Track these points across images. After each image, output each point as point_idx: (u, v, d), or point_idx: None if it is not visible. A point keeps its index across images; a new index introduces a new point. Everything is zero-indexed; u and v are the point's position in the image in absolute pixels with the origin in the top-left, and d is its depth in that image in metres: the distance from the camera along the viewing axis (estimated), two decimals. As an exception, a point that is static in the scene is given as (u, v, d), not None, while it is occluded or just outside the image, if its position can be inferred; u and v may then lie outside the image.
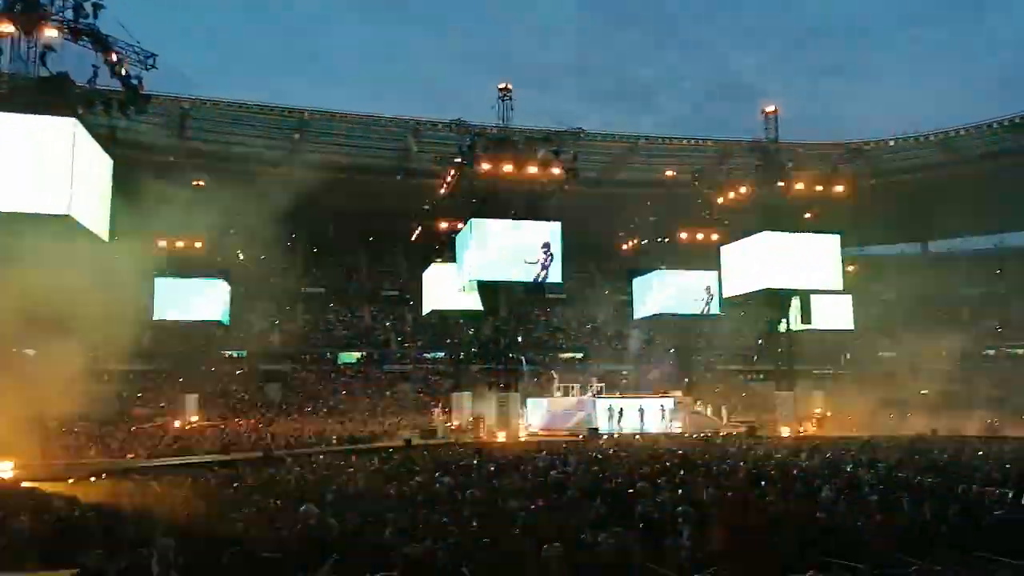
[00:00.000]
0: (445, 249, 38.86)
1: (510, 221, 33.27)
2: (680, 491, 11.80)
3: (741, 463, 16.93)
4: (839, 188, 37.21)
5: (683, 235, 43.78)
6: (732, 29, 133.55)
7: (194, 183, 37.79)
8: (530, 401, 38.07)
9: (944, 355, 44.91)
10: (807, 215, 37.29)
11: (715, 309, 43.58)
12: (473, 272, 33.25)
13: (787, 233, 36.35)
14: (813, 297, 38.19)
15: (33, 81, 22.09)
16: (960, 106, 69.41)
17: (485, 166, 33.27)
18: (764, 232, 36.23)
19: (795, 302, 37.74)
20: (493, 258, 32.76)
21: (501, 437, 31.89)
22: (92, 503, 12.14)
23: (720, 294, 41.30)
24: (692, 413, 38.68)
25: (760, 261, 36.50)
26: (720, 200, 39.25)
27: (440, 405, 40.46)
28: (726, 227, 39.79)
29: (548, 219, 33.88)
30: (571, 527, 9.05)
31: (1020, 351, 52.96)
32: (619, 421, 36.35)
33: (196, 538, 9.04)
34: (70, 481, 15.91)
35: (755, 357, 53.18)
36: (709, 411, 40.80)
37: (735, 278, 38.80)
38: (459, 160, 35.15)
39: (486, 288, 34.34)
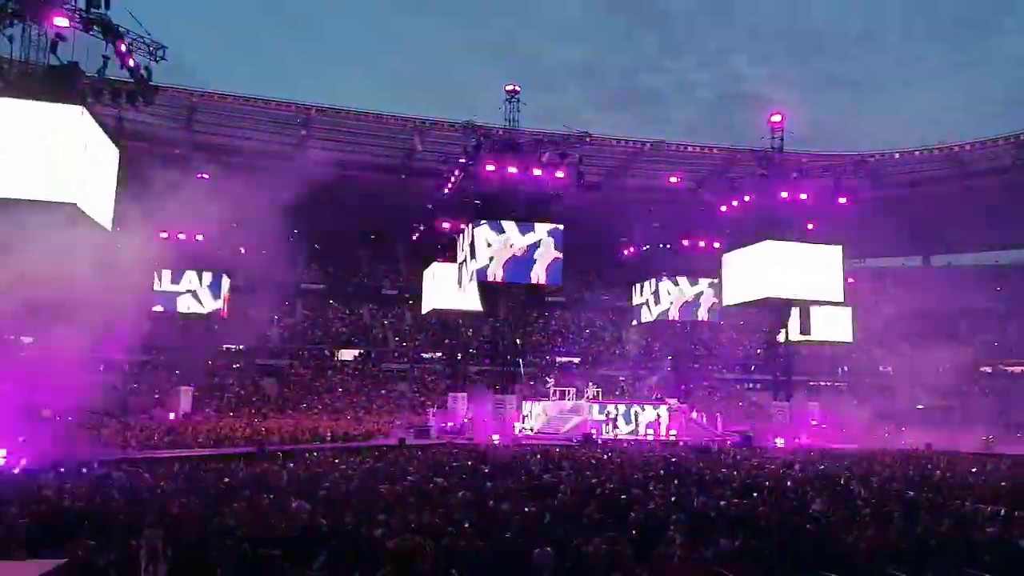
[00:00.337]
0: (447, 249, 38.88)
1: (512, 223, 33.27)
2: (673, 499, 11.80)
3: (735, 473, 16.93)
4: (843, 199, 37.19)
5: (685, 242, 43.77)
6: (742, 38, 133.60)
7: (199, 176, 37.79)
8: (526, 404, 38.05)
9: (941, 370, 44.85)
10: (810, 225, 37.27)
11: (715, 317, 43.58)
12: (474, 272, 33.24)
13: (789, 243, 36.34)
14: (812, 308, 38.16)
15: (42, 69, 22.11)
16: (966, 121, 69.53)
17: (490, 167, 33.28)
18: (766, 241, 36.21)
19: (794, 313, 37.72)
20: (494, 259, 32.76)
21: (496, 439, 31.86)
22: (83, 494, 12.13)
23: (720, 302, 41.27)
24: (688, 421, 38.63)
25: (761, 270, 36.47)
26: (723, 208, 39.25)
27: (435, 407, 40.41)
28: (728, 235, 39.79)
29: (550, 221, 33.88)
30: (563, 531, 9.04)
31: (1018, 368, 52.88)
32: (614, 427, 36.32)
33: (186, 530, 9.03)
34: (61, 471, 15.89)
35: (752, 367, 53.16)
36: (705, 419, 40.74)
37: (736, 286, 38.78)
38: (464, 160, 35.18)
39: (486, 289, 34.34)
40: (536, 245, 33.13)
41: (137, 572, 7.69)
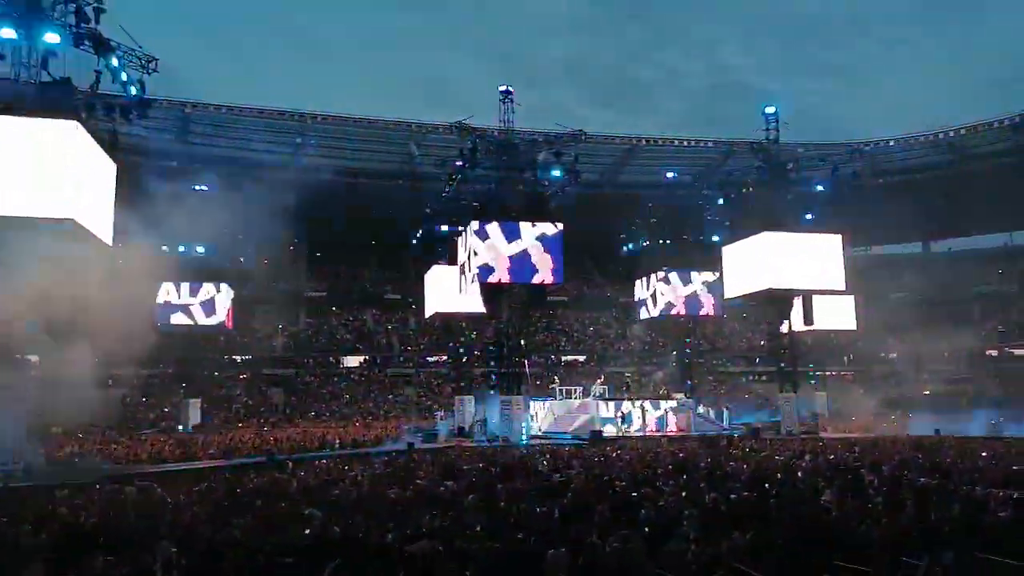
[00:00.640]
0: (447, 252, 38.92)
1: (512, 223, 33.28)
2: (684, 494, 11.80)
3: (744, 465, 16.92)
4: (840, 188, 37.17)
5: (685, 236, 43.77)
6: (732, 27, 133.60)
7: (197, 187, 37.87)
8: (533, 404, 38.05)
9: (948, 356, 44.85)
10: (808, 215, 37.27)
11: (718, 310, 43.55)
12: (475, 274, 33.24)
13: (789, 233, 36.33)
14: (815, 298, 38.15)
15: (35, 86, 22.15)
16: (962, 105, 69.52)
17: (487, 169, 33.30)
18: (765, 232, 36.20)
19: (797, 303, 37.70)
20: (494, 260, 32.77)
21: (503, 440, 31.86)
22: (96, 509, 12.15)
23: (722, 295, 41.26)
24: (695, 415, 38.61)
25: (762, 262, 36.45)
26: (721, 201, 39.25)
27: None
28: (728, 227, 39.79)
29: (549, 221, 33.90)
30: (576, 531, 9.04)
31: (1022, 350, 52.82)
32: (622, 423, 36.31)
33: (199, 543, 9.05)
34: (74, 487, 15.91)
35: (757, 359, 53.13)
36: (711, 413, 40.73)
37: (737, 279, 38.75)
38: (461, 163, 35.22)
39: (488, 291, 34.35)
40: (536, 245, 33.13)
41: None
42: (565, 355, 54.06)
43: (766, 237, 36.23)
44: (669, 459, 19.05)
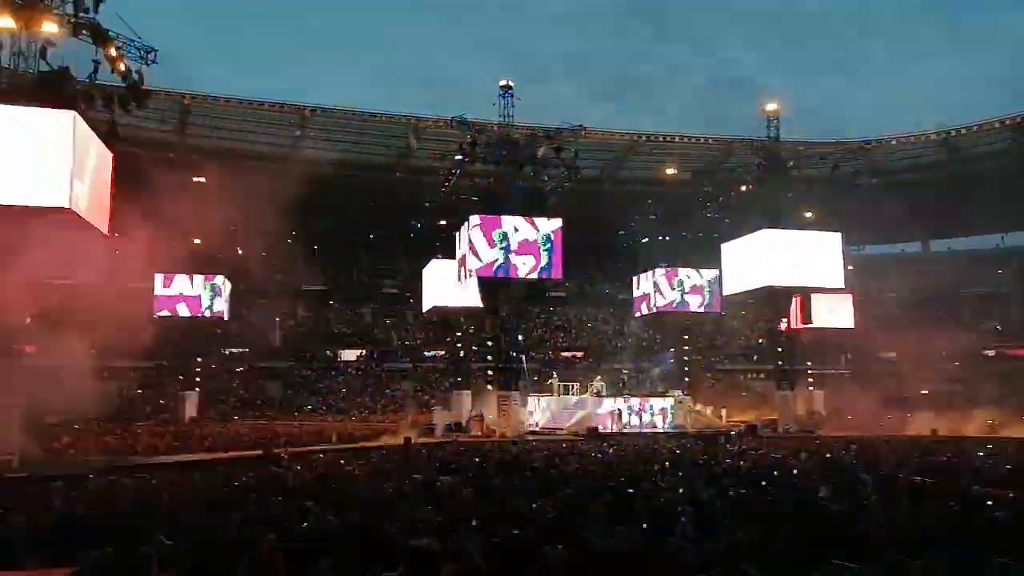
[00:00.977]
0: (446, 246, 38.87)
1: (511, 217, 33.24)
2: (680, 491, 11.79)
3: (741, 462, 16.93)
4: (840, 187, 37.16)
5: (684, 233, 43.73)
6: (733, 24, 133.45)
7: (195, 179, 37.77)
8: (531, 400, 38.06)
9: (945, 355, 44.88)
10: (808, 214, 37.26)
11: (716, 307, 43.54)
12: (473, 268, 33.22)
13: (788, 231, 36.31)
14: (814, 296, 38.15)
15: (33, 75, 22.06)
16: (965, 104, 69.51)
17: (486, 163, 33.25)
18: (765, 230, 36.19)
19: (795, 301, 37.71)
20: (493, 254, 32.74)
21: (501, 435, 31.87)
22: (90, 501, 12.13)
23: (721, 292, 41.27)
24: (692, 412, 38.66)
25: (761, 259, 36.45)
26: (721, 198, 39.22)
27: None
28: (727, 225, 39.78)
29: (548, 216, 33.85)
30: (572, 526, 9.03)
31: (1021, 351, 52.82)
32: (619, 420, 36.34)
33: (194, 536, 9.03)
34: (68, 478, 15.88)
35: (755, 356, 53.15)
36: (709, 410, 40.77)
37: (736, 276, 38.77)
38: (460, 157, 35.16)
39: (486, 285, 34.32)
40: (534, 239, 33.10)
41: (147, 579, 7.68)
42: (563, 351, 54.05)
43: (765, 234, 36.24)
44: (666, 455, 19.06)
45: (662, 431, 34.93)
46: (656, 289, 43.82)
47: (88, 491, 13.56)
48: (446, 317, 43.62)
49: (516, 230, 33.10)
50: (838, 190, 37.54)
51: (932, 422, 32.78)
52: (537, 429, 36.09)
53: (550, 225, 33.43)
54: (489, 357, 38.14)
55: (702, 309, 43.41)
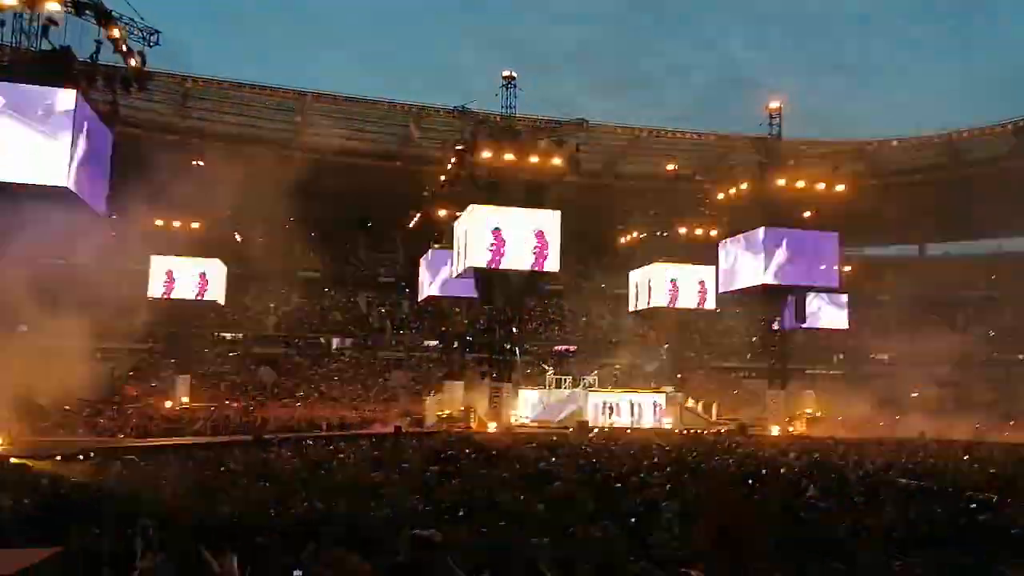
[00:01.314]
0: (443, 236, 38.82)
1: (509, 209, 33.17)
2: (668, 487, 11.84)
3: (730, 460, 17.00)
4: (840, 187, 37.12)
5: (682, 229, 43.74)
6: (739, 22, 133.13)
7: (194, 162, 37.65)
8: (522, 392, 38.11)
9: (937, 358, 45.01)
10: (807, 213, 37.26)
11: (711, 304, 43.56)
12: (470, 259, 33.19)
13: (785, 229, 36.33)
14: (808, 296, 38.21)
15: (35, 54, 21.96)
16: (967, 107, 69.56)
17: (487, 154, 33.15)
18: (762, 228, 36.21)
19: (790, 300, 37.77)
20: (490, 245, 32.68)
21: (492, 427, 31.94)
22: (79, 482, 12.13)
23: (716, 289, 41.30)
24: (683, 409, 38.75)
25: (757, 257, 36.48)
26: (720, 195, 39.21)
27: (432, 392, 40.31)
28: (725, 222, 39.78)
29: (547, 208, 33.78)
30: (559, 520, 9.06)
31: (1014, 356, 53.02)
32: (610, 415, 36.42)
33: (182, 519, 9.04)
34: (57, 459, 15.90)
35: (748, 355, 53.26)
36: (700, 407, 40.86)
37: (732, 273, 38.80)
38: (461, 147, 35.06)
39: (482, 277, 34.29)
40: (533, 232, 33.03)
41: (133, 560, 7.69)
42: (557, 344, 54.09)
43: (763, 232, 36.24)
44: (655, 451, 19.13)
45: (652, 427, 35.06)
46: (651, 285, 43.83)
47: (76, 472, 13.58)
48: (441, 307, 43.64)
49: (514, 221, 33.01)
50: (837, 190, 37.43)
51: (922, 425, 32.92)
52: (527, 422, 36.17)
53: (548, 217, 33.36)
54: (482, 349, 38.17)
55: (697, 306, 43.41)
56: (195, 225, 39.06)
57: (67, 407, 28.77)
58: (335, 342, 52.73)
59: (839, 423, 37.52)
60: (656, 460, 16.57)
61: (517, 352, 38.73)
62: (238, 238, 43.99)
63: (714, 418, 39.50)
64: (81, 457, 16.25)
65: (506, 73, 35.46)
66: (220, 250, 41.14)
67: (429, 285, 40.94)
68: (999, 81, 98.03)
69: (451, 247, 36.25)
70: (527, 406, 37.77)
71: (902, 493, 11.85)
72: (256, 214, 41.29)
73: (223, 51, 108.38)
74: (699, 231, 42.66)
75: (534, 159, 33.49)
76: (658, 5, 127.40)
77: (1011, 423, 37.28)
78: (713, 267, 40.83)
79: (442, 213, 38.86)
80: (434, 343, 51.16)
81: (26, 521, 9.03)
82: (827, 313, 43.31)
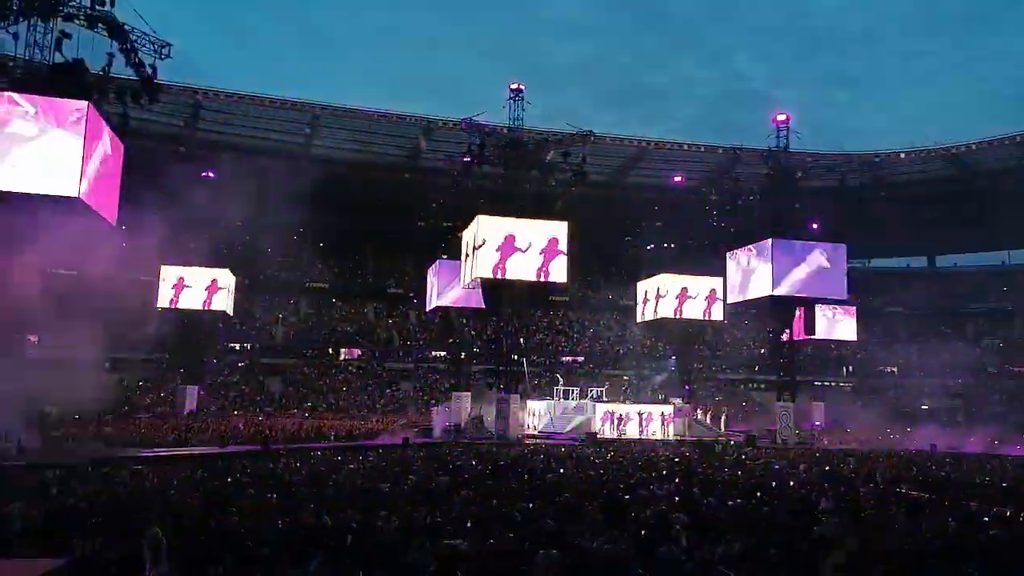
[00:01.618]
0: (451, 247, 38.86)
1: (517, 220, 33.23)
2: (677, 499, 11.77)
3: (738, 472, 16.90)
4: (847, 200, 37.07)
5: (689, 240, 43.67)
6: (744, 36, 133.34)
7: (204, 174, 37.88)
8: (530, 403, 38.01)
9: (947, 371, 44.76)
10: (814, 225, 37.18)
11: (719, 316, 43.41)
12: (478, 270, 33.23)
13: (793, 241, 36.24)
14: (817, 307, 38.04)
15: (48, 66, 22.23)
16: (973, 120, 69.39)
17: (494, 166, 33.27)
18: (770, 239, 36.13)
19: (799, 312, 37.61)
20: (498, 257, 32.72)
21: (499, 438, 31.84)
22: (88, 491, 12.16)
23: (724, 301, 41.16)
24: (692, 421, 38.56)
25: (765, 268, 36.36)
26: (727, 207, 39.16)
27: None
28: (732, 234, 39.71)
29: (555, 220, 33.81)
30: (566, 531, 9.02)
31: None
32: (618, 426, 36.28)
33: (190, 528, 9.05)
34: (67, 469, 15.93)
35: (756, 367, 53.04)
36: (709, 419, 40.66)
37: (739, 285, 38.68)
38: (469, 159, 35.17)
39: (490, 288, 34.30)
40: (540, 243, 33.05)
41: (141, 570, 7.70)
42: (564, 356, 53.99)
43: (770, 244, 36.15)
44: (663, 463, 19.03)
45: (660, 439, 34.87)
46: (659, 296, 43.71)
47: (85, 481, 13.60)
48: (448, 318, 43.63)
49: (522, 233, 33.07)
50: (845, 202, 37.40)
51: (932, 437, 32.69)
52: (535, 433, 36.06)
53: (555, 228, 33.39)
54: (490, 360, 38.11)
55: (705, 317, 43.25)
56: (204, 236, 39.20)
57: (76, 416, 28.86)
58: (343, 353, 52.74)
59: (849, 435, 37.30)
60: (664, 472, 16.49)
61: (524, 363, 38.70)
62: (246, 248, 44.16)
63: (723, 430, 39.28)
64: (90, 467, 16.28)
65: (514, 85, 35.62)
66: (229, 260, 41.31)
67: (437, 296, 40.94)
68: (1004, 93, 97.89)
69: (459, 258, 36.30)
70: (535, 417, 37.67)
71: (913, 507, 11.74)
72: (265, 225, 41.47)
73: (234, 64, 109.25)
74: (706, 242, 42.57)
75: (541, 170, 33.59)
76: (664, 20, 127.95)
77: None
78: (721, 278, 40.71)
79: (450, 224, 38.93)
80: (441, 354, 51.12)
81: (34, 531, 9.05)
82: (836, 325, 43.14)
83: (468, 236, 34.73)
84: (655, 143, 50.04)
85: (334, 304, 55.73)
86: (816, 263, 36.20)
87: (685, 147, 49.53)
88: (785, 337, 38.69)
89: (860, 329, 44.64)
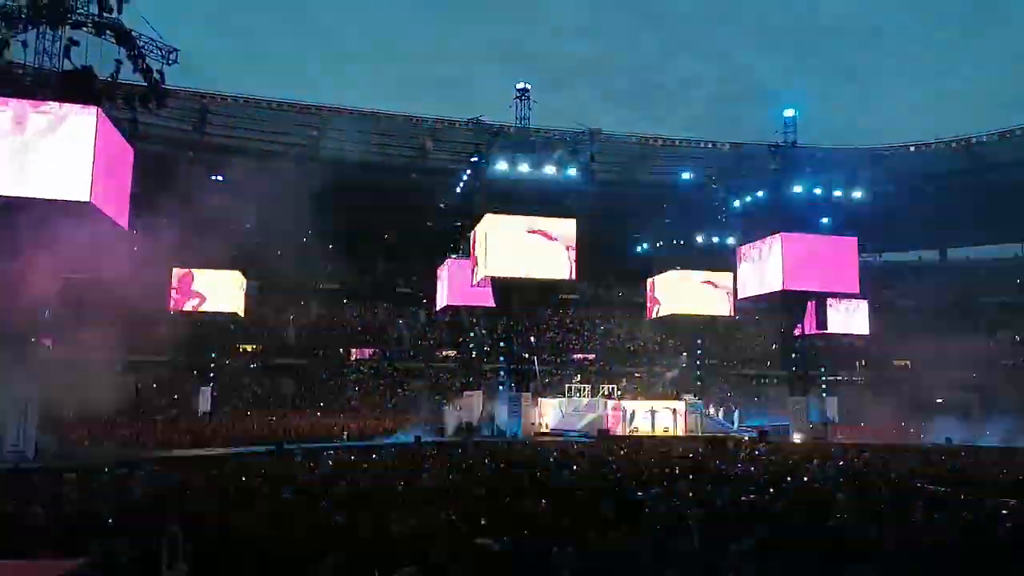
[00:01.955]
0: (460, 246, 38.95)
1: (525, 218, 33.25)
2: (691, 494, 11.75)
3: (752, 468, 16.84)
4: (857, 193, 36.87)
5: (699, 237, 43.56)
6: (750, 35, 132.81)
7: (213, 177, 38.07)
8: (542, 401, 38.04)
9: (961, 364, 44.41)
10: (824, 220, 37.01)
11: (730, 311, 43.31)
12: (487, 269, 33.27)
13: (803, 235, 36.09)
14: (829, 302, 37.85)
15: (57, 73, 22.41)
16: (980, 116, 68.89)
17: (501, 165, 33.30)
18: (780, 234, 35.98)
19: (810, 306, 37.44)
20: (507, 255, 32.76)
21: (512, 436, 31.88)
22: (105, 494, 12.25)
23: (735, 296, 41.05)
24: (704, 417, 38.47)
25: (775, 263, 36.24)
26: (736, 203, 39.03)
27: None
28: (742, 229, 39.59)
29: (563, 218, 33.81)
30: (581, 529, 9.02)
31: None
32: (631, 423, 36.24)
33: (206, 529, 9.10)
34: (83, 470, 16.03)
35: (768, 362, 52.83)
36: (722, 415, 40.56)
37: (750, 280, 38.57)
38: (476, 159, 35.23)
39: (499, 286, 34.35)
40: (549, 242, 33.08)
41: (158, 571, 7.75)
42: (575, 353, 53.96)
43: (780, 239, 36.02)
44: (676, 459, 19.00)
45: (673, 435, 34.82)
46: (669, 292, 43.65)
47: (102, 484, 13.70)
48: (459, 317, 43.70)
49: (530, 231, 33.10)
50: (855, 196, 37.16)
51: (948, 430, 32.46)
52: (547, 430, 36.08)
53: (564, 227, 33.41)
54: (501, 358, 38.16)
55: (716, 313, 43.17)
56: (215, 239, 39.37)
57: (92, 419, 29.07)
58: (354, 353, 52.91)
59: (863, 429, 37.10)
60: (677, 467, 16.44)
61: (535, 361, 38.72)
62: (257, 251, 44.30)
63: (736, 425, 39.17)
64: (107, 469, 16.39)
65: (520, 85, 35.67)
66: (240, 262, 41.49)
67: (447, 295, 41.04)
68: (1013, 88, 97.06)
69: (468, 257, 36.36)
70: (547, 415, 37.69)
71: (930, 501, 11.66)
72: (275, 227, 41.58)
73: (241, 67, 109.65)
74: (716, 238, 42.46)
75: (549, 169, 33.59)
76: (669, 17, 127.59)
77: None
78: (731, 274, 40.61)
79: (458, 224, 39.01)
80: (452, 353, 51.22)
81: (53, 533, 9.12)
82: (848, 319, 42.91)
83: (476, 235, 34.79)
84: (662, 140, 49.95)
85: (345, 305, 55.91)
86: (827, 257, 36.05)
87: (692, 144, 49.41)
88: (797, 332, 38.54)
89: (873, 323, 44.37)
